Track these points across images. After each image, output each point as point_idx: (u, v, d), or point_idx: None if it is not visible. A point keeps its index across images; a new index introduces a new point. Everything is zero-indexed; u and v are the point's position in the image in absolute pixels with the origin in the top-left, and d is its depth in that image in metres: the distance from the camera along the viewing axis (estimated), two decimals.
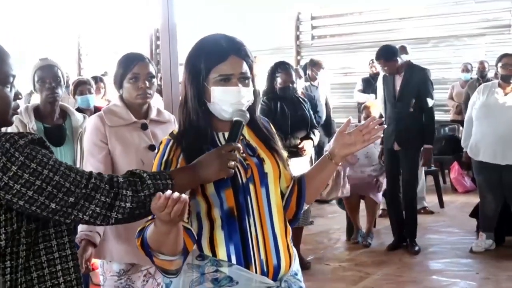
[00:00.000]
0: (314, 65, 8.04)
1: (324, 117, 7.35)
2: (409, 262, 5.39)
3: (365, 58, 9.76)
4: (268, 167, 1.98)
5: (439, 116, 10.23)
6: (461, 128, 8.01)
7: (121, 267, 2.80)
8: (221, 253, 1.89)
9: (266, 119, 2.15)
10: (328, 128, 7.66)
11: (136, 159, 2.74)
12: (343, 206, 6.12)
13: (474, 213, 5.95)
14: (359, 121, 6.83)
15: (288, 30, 12.16)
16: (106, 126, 2.78)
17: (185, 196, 1.61)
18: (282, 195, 2.06)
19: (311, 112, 5.37)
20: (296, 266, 2.04)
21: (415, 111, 5.52)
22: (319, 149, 6.74)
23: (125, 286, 2.80)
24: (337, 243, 6.20)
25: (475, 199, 6.12)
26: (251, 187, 1.93)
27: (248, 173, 1.94)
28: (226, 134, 1.92)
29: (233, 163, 1.80)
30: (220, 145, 1.92)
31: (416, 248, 5.62)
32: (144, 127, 2.82)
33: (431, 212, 7.15)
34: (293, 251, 2.04)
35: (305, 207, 2.13)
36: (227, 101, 1.90)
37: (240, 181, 1.91)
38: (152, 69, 2.84)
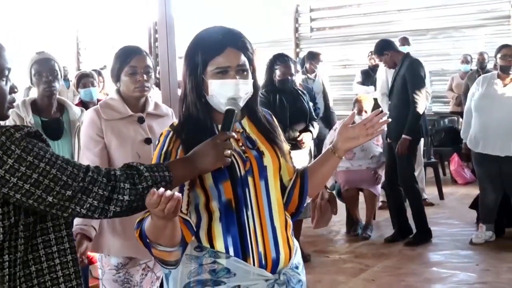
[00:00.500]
0: (313, 57, 8.00)
1: (322, 109, 7.33)
2: (409, 254, 5.39)
3: (364, 50, 9.72)
4: (268, 160, 1.98)
5: (438, 107, 10.28)
6: (460, 119, 7.99)
7: (119, 261, 2.80)
8: (219, 245, 1.89)
9: (268, 111, 2.14)
10: (328, 120, 7.64)
11: (132, 153, 2.73)
12: (342, 199, 6.12)
13: (474, 205, 5.95)
14: None
15: (287, 23, 12.12)
16: (102, 120, 2.77)
17: (178, 194, 1.61)
18: (285, 188, 2.05)
19: (310, 105, 5.35)
20: (297, 259, 2.03)
21: (405, 102, 5.47)
22: (318, 141, 6.72)
23: (124, 280, 2.80)
24: (337, 235, 6.21)
25: (475, 191, 6.11)
26: (250, 179, 1.93)
27: (247, 165, 1.93)
28: None
29: (229, 151, 1.79)
30: None
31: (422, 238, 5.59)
32: (140, 120, 2.81)
33: (431, 204, 7.14)
34: (294, 244, 2.03)
35: (308, 200, 2.13)
36: (224, 94, 1.89)
37: (239, 173, 1.91)
38: (149, 62, 2.82)
